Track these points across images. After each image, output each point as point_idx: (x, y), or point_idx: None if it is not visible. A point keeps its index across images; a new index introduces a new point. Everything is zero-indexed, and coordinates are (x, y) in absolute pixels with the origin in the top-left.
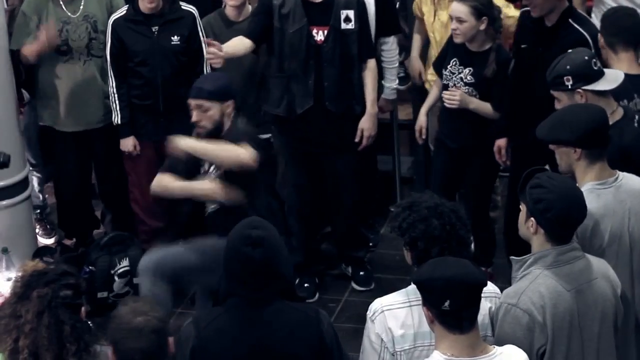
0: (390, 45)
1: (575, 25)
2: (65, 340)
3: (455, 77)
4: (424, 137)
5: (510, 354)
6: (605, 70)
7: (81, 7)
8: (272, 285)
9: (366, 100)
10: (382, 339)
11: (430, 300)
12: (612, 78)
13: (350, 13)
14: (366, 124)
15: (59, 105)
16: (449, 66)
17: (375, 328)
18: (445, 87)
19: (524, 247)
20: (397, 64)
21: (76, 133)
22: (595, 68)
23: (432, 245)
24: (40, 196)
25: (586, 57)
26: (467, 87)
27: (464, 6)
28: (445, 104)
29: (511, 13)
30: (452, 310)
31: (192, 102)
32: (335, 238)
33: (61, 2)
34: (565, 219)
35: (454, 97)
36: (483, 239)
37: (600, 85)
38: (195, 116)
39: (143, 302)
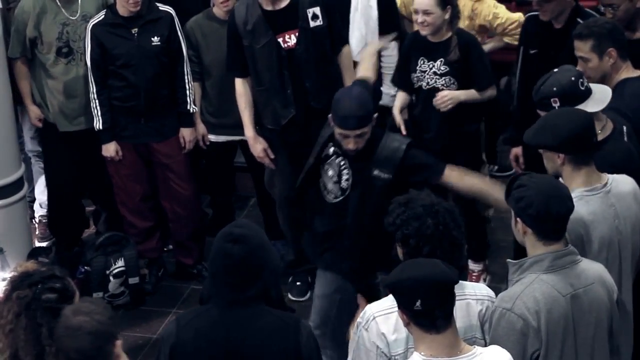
0: (391, 51)
1: (579, 20)
2: (44, 342)
3: (427, 74)
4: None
5: (491, 354)
6: (593, 87)
7: (79, 7)
8: (251, 286)
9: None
10: (377, 346)
11: (402, 302)
12: (600, 97)
13: (317, 10)
14: None
15: (61, 105)
16: (417, 67)
17: (370, 336)
18: (417, 91)
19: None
20: None
21: (71, 132)
22: (582, 88)
23: (423, 244)
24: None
25: (572, 78)
26: (442, 77)
27: None
28: (441, 110)
29: (502, 13)
30: (425, 310)
31: (348, 133)
32: None
33: (59, 4)
34: (546, 212)
35: (445, 99)
36: (476, 234)
37: (589, 107)
38: (352, 144)
39: (90, 302)
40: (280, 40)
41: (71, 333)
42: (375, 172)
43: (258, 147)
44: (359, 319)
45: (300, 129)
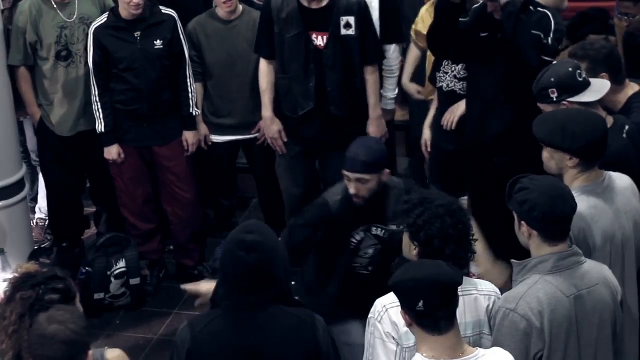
0: (391, 54)
1: (531, 8)
2: None
3: (449, 76)
4: (429, 150)
5: (494, 356)
6: (592, 80)
7: (76, 9)
8: (267, 290)
9: (369, 105)
10: (392, 336)
11: (405, 303)
12: (598, 89)
13: (351, 19)
14: (371, 128)
15: (61, 110)
16: (441, 67)
17: (384, 328)
18: (440, 90)
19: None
20: (397, 74)
21: (74, 135)
22: (580, 79)
23: (446, 244)
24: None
25: (570, 69)
26: (461, 82)
27: None
28: (448, 130)
29: None
30: (427, 311)
31: (350, 175)
32: None
33: (56, 7)
34: (551, 214)
35: (450, 118)
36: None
37: (586, 97)
38: (353, 189)
39: (65, 311)
40: (311, 36)
41: (45, 341)
42: (393, 227)
43: (274, 128)
44: (370, 314)
45: (317, 128)
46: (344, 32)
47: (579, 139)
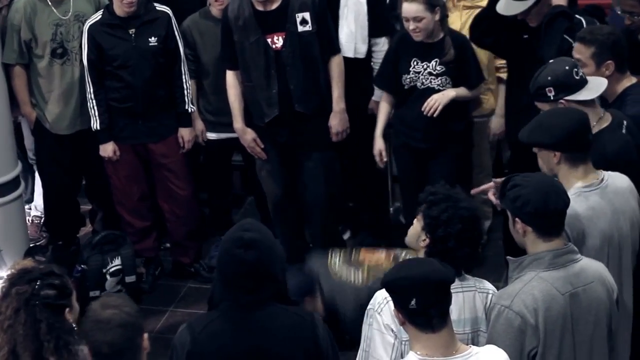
0: (381, 47)
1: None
2: (42, 338)
3: (422, 75)
4: (385, 159)
5: (487, 354)
6: (589, 78)
7: (71, 7)
8: (265, 288)
9: (333, 98)
10: (392, 329)
11: (398, 301)
12: (595, 86)
13: (306, 15)
14: (334, 121)
15: (57, 108)
16: (410, 69)
17: (384, 319)
18: (409, 91)
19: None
20: None
21: (71, 134)
22: (577, 77)
23: (460, 247)
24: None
25: (567, 67)
26: (438, 77)
27: (417, 4)
28: (428, 115)
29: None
30: (420, 309)
31: None
32: (311, 236)
33: (50, 4)
34: (544, 208)
35: (434, 105)
36: None
37: (582, 95)
38: None
39: (116, 297)
40: (268, 40)
41: (102, 326)
42: None
43: (247, 137)
44: (370, 305)
45: (287, 130)
46: (300, 28)
47: (555, 132)
